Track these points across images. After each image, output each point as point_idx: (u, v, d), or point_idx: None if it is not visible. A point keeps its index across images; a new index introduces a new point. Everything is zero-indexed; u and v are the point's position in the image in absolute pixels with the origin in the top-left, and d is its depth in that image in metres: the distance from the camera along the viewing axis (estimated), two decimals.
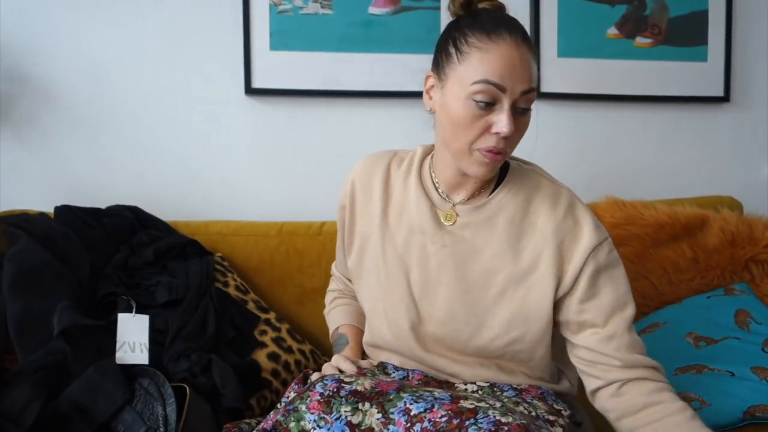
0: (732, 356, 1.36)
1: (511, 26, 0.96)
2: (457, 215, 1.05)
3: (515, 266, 1.03)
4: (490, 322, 1.03)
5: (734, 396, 1.24)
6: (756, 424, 1.21)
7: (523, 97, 0.94)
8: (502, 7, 1.01)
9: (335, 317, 1.26)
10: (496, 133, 0.94)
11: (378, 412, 0.88)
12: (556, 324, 1.05)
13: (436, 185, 1.08)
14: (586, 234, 1.01)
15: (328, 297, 1.34)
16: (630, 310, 1.02)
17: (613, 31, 1.87)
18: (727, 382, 1.28)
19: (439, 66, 1.00)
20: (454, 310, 1.04)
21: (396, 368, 1.09)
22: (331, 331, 1.27)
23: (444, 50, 0.99)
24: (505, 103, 0.93)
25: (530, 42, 0.97)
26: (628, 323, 1.01)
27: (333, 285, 1.35)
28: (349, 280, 1.23)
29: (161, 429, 1.10)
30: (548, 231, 1.02)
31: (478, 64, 0.93)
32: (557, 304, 1.03)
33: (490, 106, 0.94)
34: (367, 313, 1.15)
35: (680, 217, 1.62)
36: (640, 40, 1.89)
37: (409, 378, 1.06)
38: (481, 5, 0.99)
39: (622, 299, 1.02)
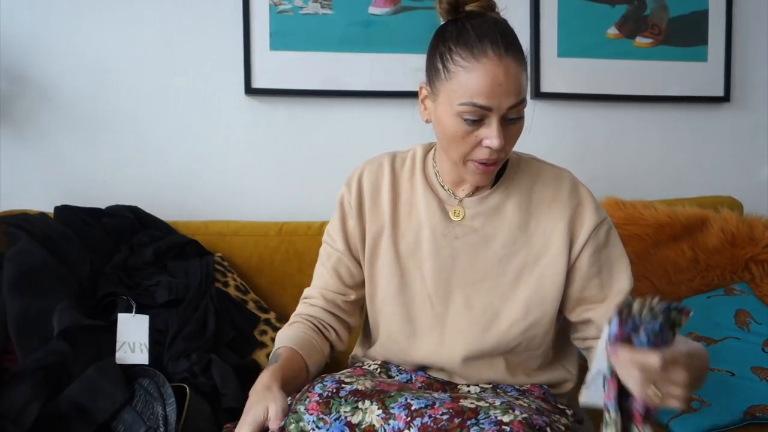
0: (732, 356, 1.36)
1: (495, 36, 0.93)
2: (464, 209, 1.07)
3: (528, 250, 1.05)
4: (509, 309, 1.04)
5: (734, 396, 1.24)
6: (756, 424, 1.21)
7: (512, 110, 0.95)
8: (490, 8, 0.99)
9: (283, 337, 1.09)
10: (487, 146, 0.95)
11: (378, 408, 0.87)
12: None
13: (441, 182, 1.09)
14: (588, 213, 1.05)
15: (291, 319, 1.15)
16: (626, 285, 1.04)
17: (613, 31, 1.87)
18: (727, 382, 1.28)
19: (430, 79, 1.01)
20: (471, 300, 1.05)
21: (399, 371, 1.09)
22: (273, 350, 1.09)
23: (433, 65, 0.99)
24: (494, 119, 0.94)
25: (517, 48, 0.95)
26: (624, 297, 1.03)
27: (300, 309, 1.16)
28: (339, 293, 1.13)
29: (161, 429, 1.10)
30: (556, 211, 1.05)
31: (464, 84, 0.93)
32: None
33: (478, 122, 0.95)
34: (381, 317, 1.12)
35: (680, 217, 1.62)
36: (640, 40, 1.89)
37: (413, 381, 1.06)
38: (468, 7, 0.98)
39: (619, 275, 1.05)
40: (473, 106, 0.93)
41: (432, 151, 1.13)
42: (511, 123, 0.96)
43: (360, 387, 0.92)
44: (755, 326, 1.43)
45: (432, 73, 0.99)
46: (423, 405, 0.86)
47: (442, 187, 1.09)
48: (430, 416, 0.84)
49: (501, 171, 1.09)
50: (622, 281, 1.05)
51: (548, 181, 1.08)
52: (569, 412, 1.04)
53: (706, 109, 1.96)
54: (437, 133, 1.02)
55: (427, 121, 1.04)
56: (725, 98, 1.94)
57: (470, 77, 0.93)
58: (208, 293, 1.39)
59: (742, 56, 1.96)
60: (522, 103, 0.95)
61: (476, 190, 1.08)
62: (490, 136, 0.94)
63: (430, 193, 1.09)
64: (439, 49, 0.98)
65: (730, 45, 1.93)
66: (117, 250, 1.44)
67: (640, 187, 1.88)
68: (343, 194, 1.14)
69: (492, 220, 1.06)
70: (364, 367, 1.11)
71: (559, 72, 1.85)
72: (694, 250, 1.60)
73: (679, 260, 1.59)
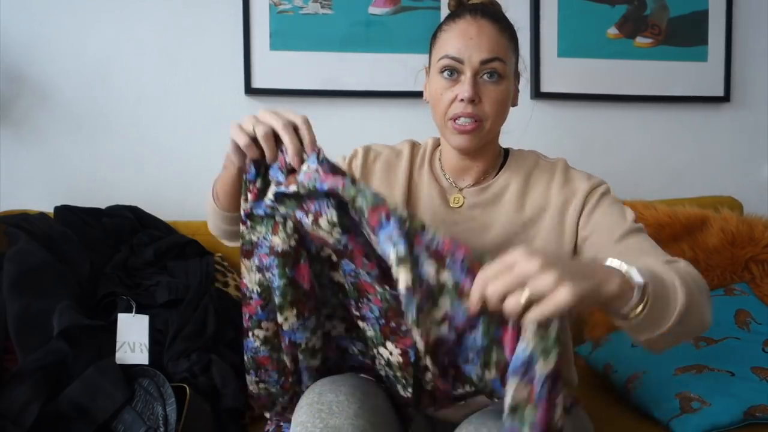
0: (732, 356, 1.36)
1: (476, 8, 1.04)
2: (464, 198, 1.10)
3: (524, 236, 1.07)
4: None
5: (734, 396, 1.24)
6: (756, 424, 1.21)
7: (485, 66, 1.01)
8: (491, 3, 1.09)
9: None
10: (461, 99, 1.02)
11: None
12: None
13: (444, 173, 1.14)
14: (579, 185, 1.07)
15: None
16: (623, 227, 1.00)
17: (613, 31, 1.87)
18: (727, 382, 1.28)
19: (429, 59, 1.10)
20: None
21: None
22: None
23: (429, 45, 1.10)
24: (467, 73, 1.02)
25: (496, 15, 1.04)
26: (620, 236, 0.99)
27: None
28: None
29: (161, 429, 1.10)
30: (550, 196, 1.08)
31: (443, 44, 1.05)
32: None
33: (455, 77, 1.03)
34: None
35: (680, 217, 1.62)
36: (640, 40, 1.89)
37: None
38: (472, 1, 1.07)
39: (615, 223, 1.02)
40: (447, 58, 1.03)
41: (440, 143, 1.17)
42: (489, 83, 1.02)
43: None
44: (755, 326, 1.43)
45: (429, 50, 1.09)
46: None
47: (445, 176, 1.13)
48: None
49: (503, 163, 1.13)
50: (621, 227, 1.00)
51: (543, 171, 1.11)
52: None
53: (706, 109, 1.96)
54: (430, 106, 1.08)
55: (426, 100, 1.10)
56: (725, 98, 1.94)
57: (447, 36, 1.04)
58: (208, 293, 1.39)
59: (742, 56, 1.96)
60: (496, 61, 1.01)
61: (477, 181, 1.11)
62: (462, 89, 1.02)
63: (433, 182, 1.13)
64: (436, 29, 1.09)
65: (730, 45, 1.93)
66: (117, 250, 1.45)
67: (640, 187, 1.88)
68: (355, 156, 1.19)
69: (490, 210, 1.09)
70: None
71: (559, 72, 1.85)
72: (694, 250, 1.60)
73: None
